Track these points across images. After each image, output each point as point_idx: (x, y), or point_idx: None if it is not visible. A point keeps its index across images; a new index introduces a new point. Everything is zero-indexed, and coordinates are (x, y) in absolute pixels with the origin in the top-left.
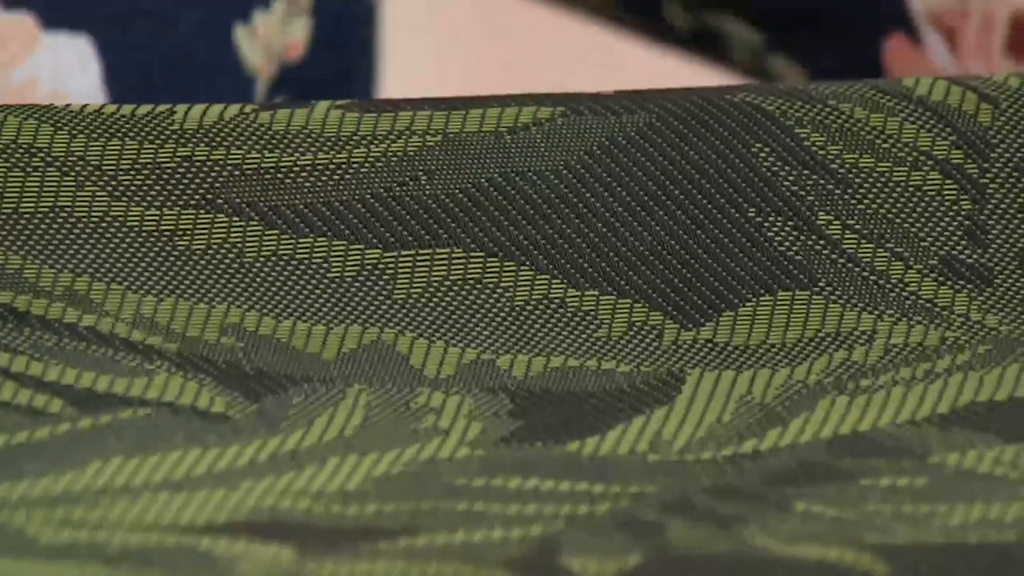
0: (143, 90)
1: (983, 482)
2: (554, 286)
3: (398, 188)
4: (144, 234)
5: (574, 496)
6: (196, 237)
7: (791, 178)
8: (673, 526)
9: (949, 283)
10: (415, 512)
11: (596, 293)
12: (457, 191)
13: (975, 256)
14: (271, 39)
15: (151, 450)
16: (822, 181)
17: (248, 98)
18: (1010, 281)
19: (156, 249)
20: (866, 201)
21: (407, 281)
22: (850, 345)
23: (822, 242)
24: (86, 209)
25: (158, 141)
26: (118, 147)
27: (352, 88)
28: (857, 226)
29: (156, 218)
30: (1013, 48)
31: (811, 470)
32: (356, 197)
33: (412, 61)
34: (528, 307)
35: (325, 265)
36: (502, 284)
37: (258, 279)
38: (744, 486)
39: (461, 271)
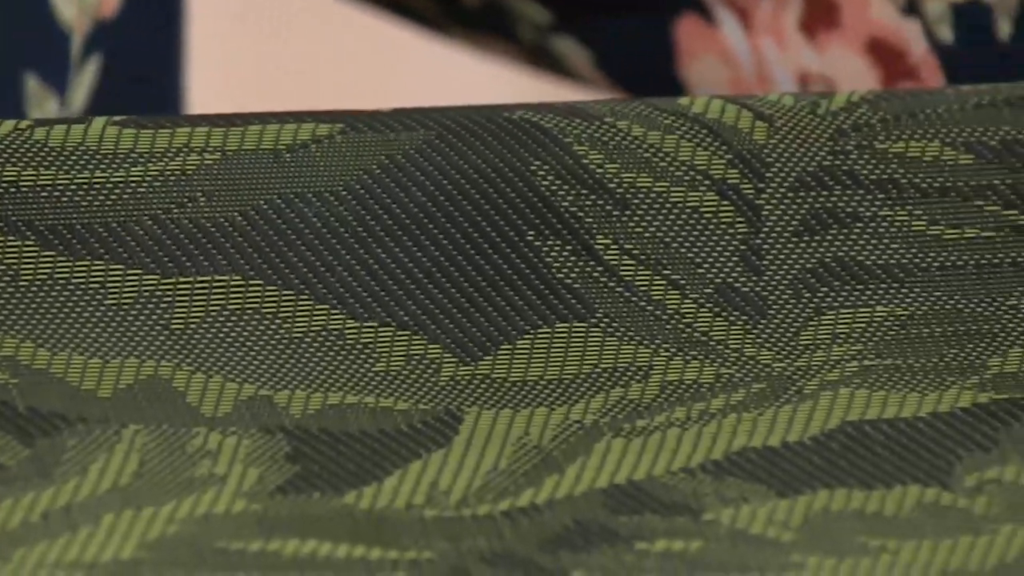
0: None
1: (756, 547)
2: (333, 317)
3: (176, 209)
4: None
5: (350, 565)
6: None
7: (570, 198)
8: None
9: (724, 314)
10: None
11: (375, 324)
12: (235, 213)
13: (750, 284)
14: None
15: None
16: (600, 201)
17: (63, 57)
18: (783, 312)
19: None
20: (644, 223)
21: (185, 310)
22: (627, 382)
23: (600, 268)
24: None
25: None
26: None
27: (165, 51)
28: (635, 251)
29: None
30: (806, 26)
31: (587, 530)
32: (133, 218)
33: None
34: (307, 339)
35: (103, 291)
36: (280, 314)
37: (33, 305)
38: (520, 550)
39: (240, 300)
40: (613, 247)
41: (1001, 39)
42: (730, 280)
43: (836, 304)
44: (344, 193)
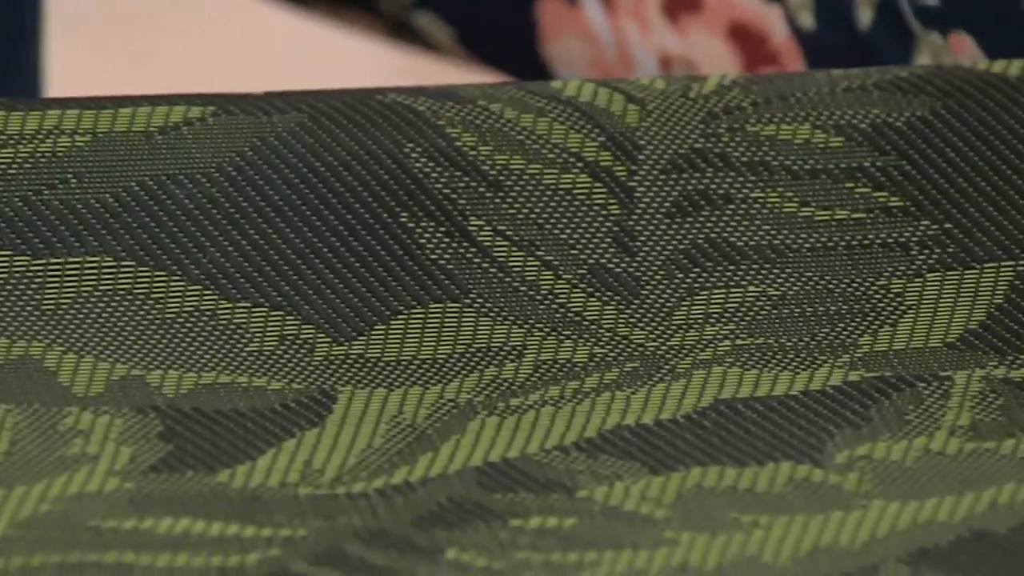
0: None
1: (630, 523)
2: (205, 297)
3: (47, 191)
4: None
5: (224, 544)
6: None
7: (443, 180)
8: None
9: (597, 295)
10: (62, 567)
11: (248, 304)
12: (107, 195)
13: (623, 265)
14: None
15: None
16: (474, 184)
17: None
18: (656, 293)
19: None
20: (517, 205)
21: (56, 291)
22: (500, 361)
23: (474, 250)
24: None
25: None
26: None
27: (22, 34)
28: (508, 232)
29: None
30: (668, 10)
31: (461, 508)
32: (4, 199)
33: None
34: (179, 319)
35: None
36: (153, 295)
37: None
38: (394, 528)
39: (111, 281)
40: (487, 228)
41: (861, 27)
42: (603, 261)
43: (708, 284)
44: (216, 175)
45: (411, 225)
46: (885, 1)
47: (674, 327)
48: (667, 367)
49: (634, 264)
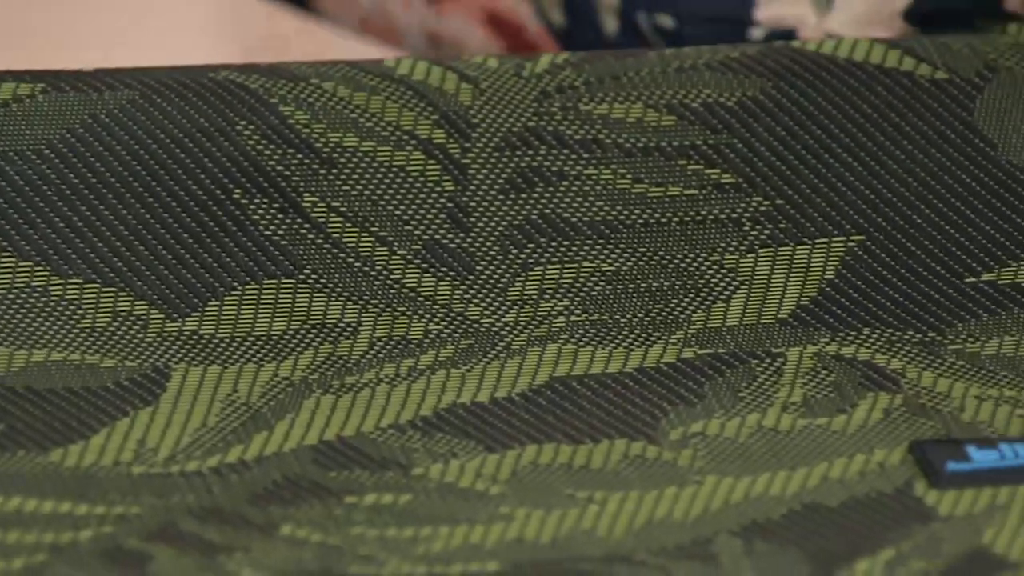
0: None
1: (465, 499)
2: (36, 273)
3: None
4: None
5: (56, 521)
6: None
7: (276, 157)
8: (158, 556)
9: (432, 271)
10: None
11: (80, 281)
12: None
13: (457, 241)
14: None
15: None
16: (307, 160)
17: None
18: (491, 269)
19: None
20: (351, 182)
21: None
22: (335, 338)
23: (308, 226)
24: None
25: None
26: None
27: None
28: (342, 209)
29: None
30: None
31: (296, 485)
32: None
33: None
34: (10, 296)
35: None
36: None
37: None
38: (228, 505)
39: None
40: (320, 205)
41: (607, 33)
42: (437, 237)
43: (543, 260)
44: (47, 152)
45: (244, 202)
46: (626, 14)
47: (509, 303)
48: (502, 344)
49: (468, 240)
